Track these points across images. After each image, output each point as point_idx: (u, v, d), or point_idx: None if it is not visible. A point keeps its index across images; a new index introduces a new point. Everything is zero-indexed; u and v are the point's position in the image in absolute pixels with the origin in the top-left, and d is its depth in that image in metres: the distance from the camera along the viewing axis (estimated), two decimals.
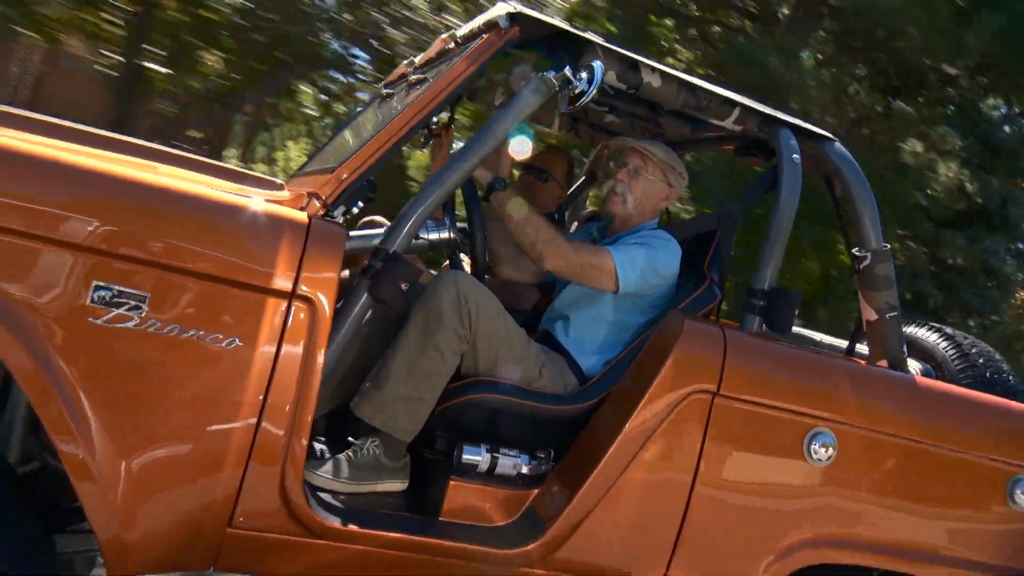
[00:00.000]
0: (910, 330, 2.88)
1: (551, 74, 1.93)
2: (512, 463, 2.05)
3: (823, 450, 2.01)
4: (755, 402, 2.00)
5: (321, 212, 1.77)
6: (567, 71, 1.92)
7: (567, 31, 2.04)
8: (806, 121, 2.34)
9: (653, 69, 2.14)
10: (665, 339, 2.01)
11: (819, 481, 2.05)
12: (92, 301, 1.55)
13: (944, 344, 2.71)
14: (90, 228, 1.54)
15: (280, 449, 1.70)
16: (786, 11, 9.85)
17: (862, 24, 9.13)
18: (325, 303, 1.70)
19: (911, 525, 2.13)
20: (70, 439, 1.53)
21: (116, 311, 1.56)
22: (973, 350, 2.65)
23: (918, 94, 10.43)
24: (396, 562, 1.85)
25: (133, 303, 1.57)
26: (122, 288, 1.56)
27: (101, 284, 1.55)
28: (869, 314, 2.27)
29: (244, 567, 1.81)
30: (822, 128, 2.32)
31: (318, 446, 2.09)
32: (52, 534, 1.75)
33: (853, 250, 2.27)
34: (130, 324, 1.57)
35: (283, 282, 1.66)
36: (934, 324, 2.90)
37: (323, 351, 1.72)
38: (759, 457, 2.04)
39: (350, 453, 2.00)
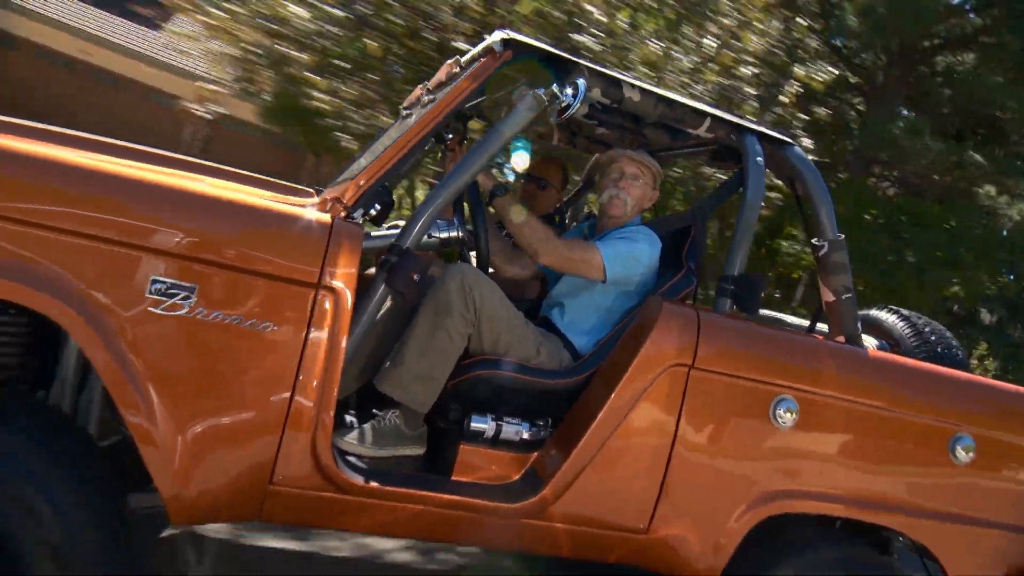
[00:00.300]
0: (874, 312, 3.05)
1: (541, 91, 2.09)
2: (515, 430, 2.18)
3: (787, 415, 2.15)
4: (726, 373, 2.14)
5: (343, 214, 1.92)
6: (555, 87, 2.09)
7: (555, 54, 2.19)
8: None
9: (633, 86, 2.29)
10: (646, 320, 2.16)
11: (784, 442, 2.18)
12: (150, 290, 1.72)
13: (902, 324, 2.87)
14: (149, 232, 1.71)
15: (311, 419, 1.85)
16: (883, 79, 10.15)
17: (965, 102, 9.67)
18: (347, 292, 1.84)
19: (866, 478, 2.26)
20: (136, 412, 1.70)
21: (170, 300, 1.73)
22: (927, 329, 2.82)
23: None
24: (413, 515, 2.00)
25: (184, 294, 1.74)
26: (174, 281, 1.73)
27: (157, 279, 1.72)
28: (827, 296, 2.43)
29: (283, 519, 1.96)
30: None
31: (349, 418, 2.22)
32: (127, 494, 1.91)
33: (813, 240, 2.44)
34: (182, 312, 1.73)
35: (310, 274, 1.81)
36: (893, 308, 3.07)
37: (346, 334, 1.86)
38: (731, 421, 2.17)
39: (374, 423, 2.16)
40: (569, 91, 2.08)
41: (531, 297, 2.95)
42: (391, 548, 3.16)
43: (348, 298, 1.85)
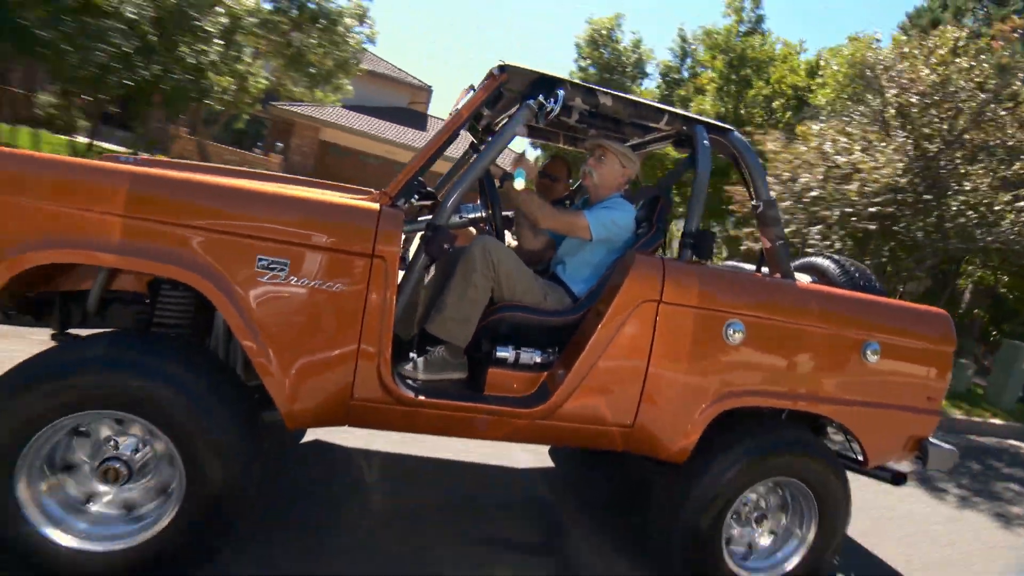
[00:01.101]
0: (811, 259, 3.37)
1: (530, 102, 2.43)
2: (530, 356, 2.53)
3: (736, 334, 2.48)
4: (686, 305, 2.45)
5: (388, 203, 2.29)
6: (540, 98, 2.43)
7: (542, 74, 2.50)
8: None
9: (605, 93, 2.62)
10: (624, 269, 2.48)
11: (734, 355, 2.50)
12: (258, 266, 2.11)
13: (831, 266, 3.19)
14: (253, 226, 2.10)
15: (375, 352, 2.21)
16: None
17: None
18: (393, 258, 2.19)
19: (800, 379, 2.58)
20: (257, 353, 2.10)
21: (271, 272, 2.12)
22: (851, 267, 3.14)
23: None
24: (455, 419, 2.37)
25: (280, 267, 2.12)
26: (273, 259, 2.12)
27: (262, 256, 2.12)
28: (766, 243, 2.74)
29: (363, 424, 2.34)
30: None
31: (412, 354, 2.55)
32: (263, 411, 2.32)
33: (752, 202, 2.76)
34: (280, 280, 2.12)
35: (365, 247, 2.17)
36: (827, 254, 3.40)
37: (395, 289, 2.20)
38: (692, 341, 2.47)
39: (426, 356, 2.52)
40: (552, 100, 2.42)
41: (547, 261, 3.34)
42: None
43: (394, 262, 2.19)
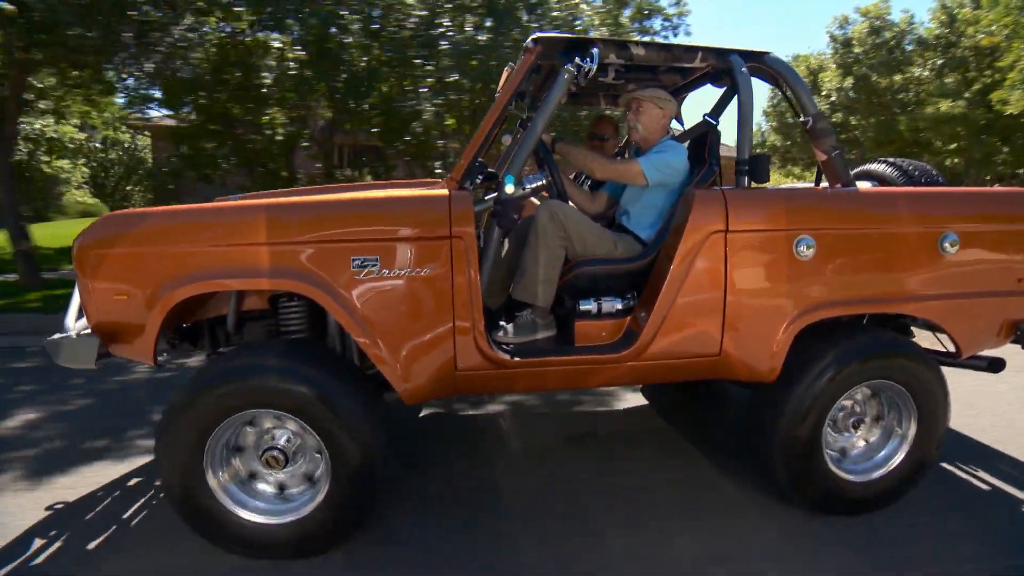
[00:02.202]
0: (868, 166, 3.25)
1: (568, 66, 2.43)
2: (611, 305, 2.55)
3: (807, 249, 2.43)
4: (753, 230, 2.42)
5: (455, 187, 2.35)
6: (576, 60, 2.43)
7: (574, 38, 2.49)
8: None
9: (637, 43, 2.59)
10: (686, 206, 2.45)
11: (808, 270, 2.44)
12: (353, 267, 2.24)
13: (891, 170, 3.06)
14: (347, 229, 2.24)
15: (469, 325, 2.30)
16: None
17: None
18: (469, 236, 2.26)
19: (877, 283, 2.49)
20: (368, 344, 2.23)
21: (366, 269, 2.25)
22: (908, 167, 3.00)
23: None
24: (552, 373, 2.43)
25: (372, 263, 2.26)
26: (365, 257, 2.25)
27: (355, 257, 2.25)
28: (821, 156, 2.66)
29: (471, 391, 2.44)
30: None
31: (502, 322, 2.63)
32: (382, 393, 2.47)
33: (800, 119, 2.68)
34: (374, 274, 2.24)
35: (442, 231, 2.25)
36: (885, 159, 3.26)
37: (476, 264, 2.27)
38: (765, 263, 2.43)
39: (516, 320, 2.60)
40: (588, 59, 2.41)
41: (609, 217, 3.35)
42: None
43: (471, 240, 2.26)
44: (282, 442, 2.30)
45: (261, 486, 2.35)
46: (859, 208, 2.52)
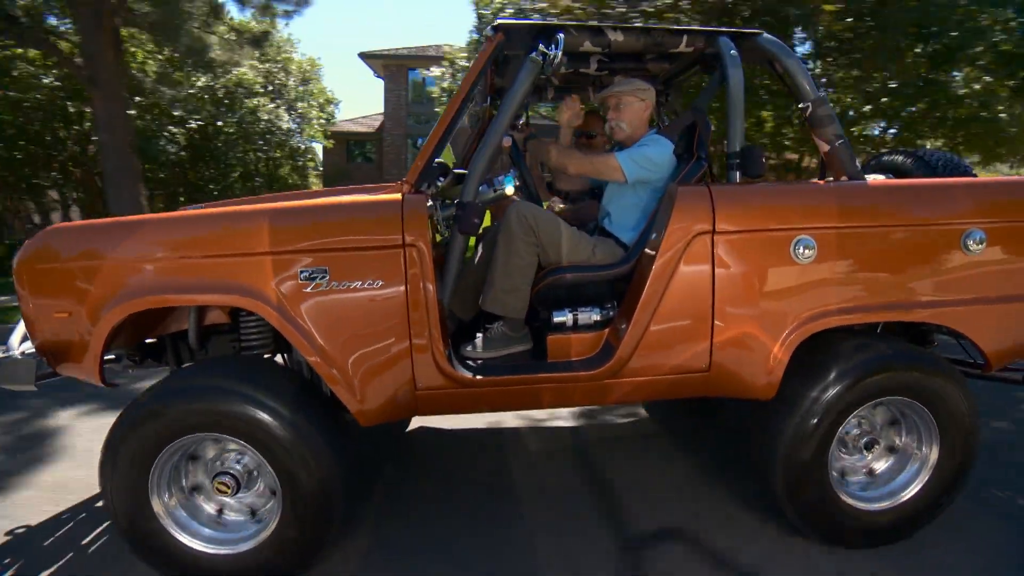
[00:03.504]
0: (881, 158, 2.82)
1: (532, 54, 2.11)
2: (587, 316, 2.22)
3: (806, 251, 2.05)
4: (744, 230, 2.06)
5: (409, 189, 2.05)
6: (541, 47, 2.11)
7: (538, 25, 2.18)
8: None
9: (614, 28, 2.26)
10: (668, 204, 2.11)
11: (809, 274, 2.07)
12: (301, 279, 1.97)
13: (911, 161, 2.64)
14: (292, 239, 1.97)
15: (427, 341, 2.01)
16: None
17: None
18: (424, 245, 1.96)
19: (889, 286, 2.10)
20: (319, 361, 1.96)
21: (314, 281, 1.98)
22: (930, 156, 2.57)
23: None
24: (521, 392, 2.13)
25: (321, 275, 1.98)
26: (312, 268, 1.98)
27: (303, 269, 1.98)
28: (823, 147, 2.28)
29: (433, 411, 2.15)
30: None
31: (478, 335, 2.34)
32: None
33: (799, 105, 2.30)
34: (323, 287, 1.96)
35: (395, 239, 1.96)
36: (904, 150, 2.84)
37: (431, 277, 1.97)
38: (758, 267, 2.07)
39: (486, 334, 2.30)
40: (553, 46, 2.10)
41: (592, 219, 3.01)
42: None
43: (426, 249, 1.97)
44: (236, 467, 2.06)
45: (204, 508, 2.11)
46: (866, 203, 2.13)
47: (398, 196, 2.02)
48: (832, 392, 2.08)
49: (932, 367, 2.13)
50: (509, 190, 2.21)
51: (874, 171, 2.77)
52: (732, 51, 2.21)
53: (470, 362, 2.20)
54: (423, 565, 2.15)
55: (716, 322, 2.11)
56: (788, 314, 2.11)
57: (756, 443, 2.28)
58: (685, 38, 2.30)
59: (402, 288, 1.99)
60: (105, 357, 2.15)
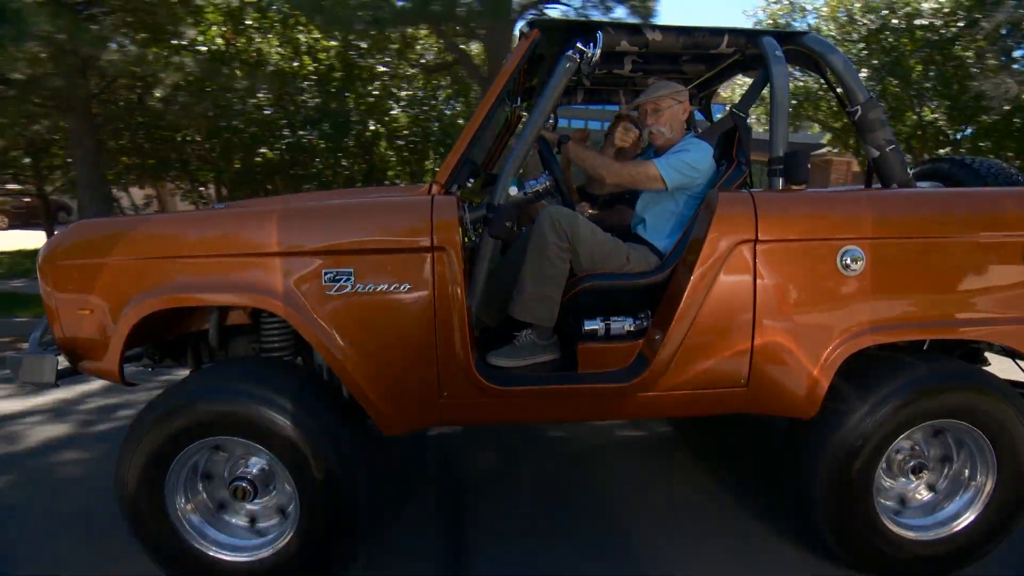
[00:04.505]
0: (935, 166, 2.62)
1: (569, 52, 1.97)
2: (621, 325, 2.07)
3: (855, 263, 1.88)
4: (788, 239, 1.90)
5: (439, 191, 1.93)
6: (579, 45, 1.98)
7: (575, 22, 2.06)
8: None
9: (652, 28, 2.12)
10: (708, 211, 1.95)
11: (856, 286, 1.89)
12: (325, 281, 1.85)
13: (961, 171, 2.45)
14: (318, 239, 1.85)
15: (454, 347, 1.86)
16: None
17: None
18: (453, 248, 1.83)
19: (942, 302, 1.91)
20: (340, 366, 1.83)
21: (338, 284, 1.85)
22: (981, 166, 2.38)
23: None
24: (550, 404, 1.98)
25: (346, 277, 1.86)
26: (338, 270, 1.85)
27: (327, 270, 1.86)
28: (872, 153, 2.10)
29: (456, 421, 1.98)
30: None
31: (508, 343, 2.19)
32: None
33: (847, 109, 2.12)
34: (347, 290, 1.84)
35: (424, 241, 1.83)
36: (951, 157, 2.64)
37: (461, 281, 1.83)
38: (803, 278, 1.90)
39: (515, 342, 2.15)
40: (591, 45, 1.95)
41: (627, 223, 2.85)
42: None
43: (456, 252, 1.84)
44: (253, 472, 1.93)
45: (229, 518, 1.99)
46: (920, 213, 1.95)
47: (426, 198, 1.89)
48: (881, 412, 1.90)
49: (989, 388, 1.93)
50: (514, 192, 2.07)
51: (919, 179, 2.57)
52: (777, 51, 2.05)
53: (497, 371, 2.05)
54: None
55: (756, 336, 1.94)
56: (834, 328, 1.93)
57: (794, 464, 2.10)
58: (726, 38, 2.14)
59: (429, 292, 1.85)
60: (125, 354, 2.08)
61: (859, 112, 2.05)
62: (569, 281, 2.14)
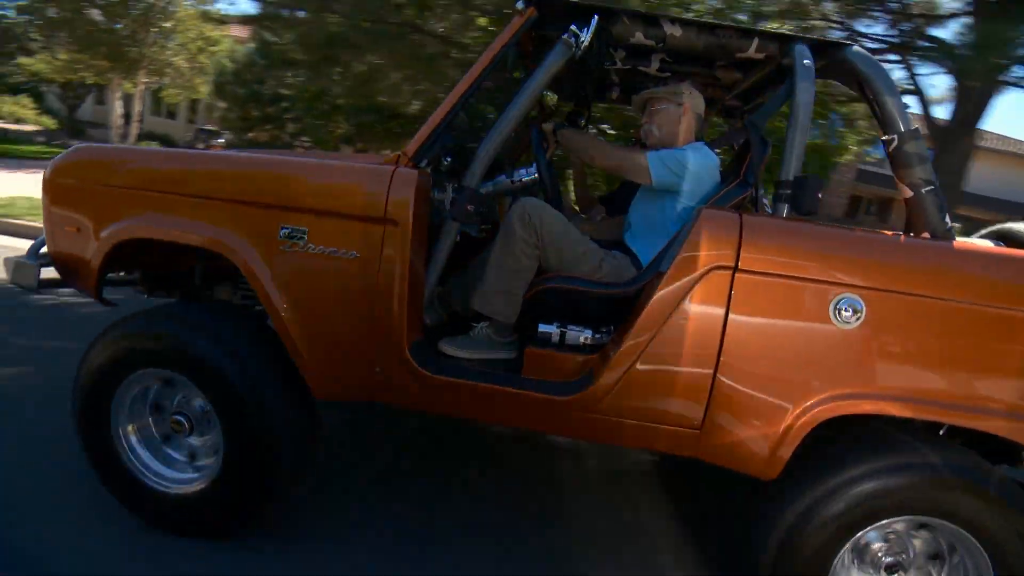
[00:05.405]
0: (1005, 225, 2.18)
1: (564, 35, 1.77)
2: (578, 335, 1.87)
3: (851, 314, 1.56)
4: (775, 274, 1.60)
5: (406, 163, 1.80)
6: (573, 27, 1.77)
7: (575, 3, 1.83)
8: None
9: (673, 20, 1.88)
10: (688, 226, 1.71)
11: (849, 341, 1.58)
12: (280, 236, 1.80)
13: None
14: (280, 193, 1.80)
15: (392, 322, 1.76)
16: None
17: None
18: (408, 222, 1.71)
19: (954, 379, 1.55)
20: (282, 323, 1.79)
21: (293, 240, 1.80)
22: None
23: None
24: (480, 402, 1.81)
25: (300, 235, 1.79)
26: (294, 227, 1.79)
27: (284, 226, 1.81)
28: (906, 192, 1.74)
29: (388, 400, 1.86)
30: None
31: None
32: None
33: (883, 137, 1.78)
34: (299, 248, 1.78)
35: (377, 212, 1.73)
36: None
37: (406, 259, 1.72)
38: (786, 322, 1.61)
39: (471, 333, 2.01)
40: (585, 30, 1.75)
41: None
42: None
43: (408, 228, 1.72)
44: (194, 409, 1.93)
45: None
46: (945, 269, 1.59)
47: (389, 168, 1.78)
48: (855, 491, 1.58)
49: (999, 495, 1.55)
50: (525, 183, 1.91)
51: (988, 238, 2.15)
52: (806, 61, 1.75)
53: (443, 359, 1.92)
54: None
55: (718, 376, 1.67)
56: (812, 384, 1.62)
57: (750, 525, 1.80)
58: (756, 41, 1.86)
59: (375, 264, 1.75)
60: (126, 277, 2.18)
61: (895, 142, 1.71)
62: (536, 278, 1.96)
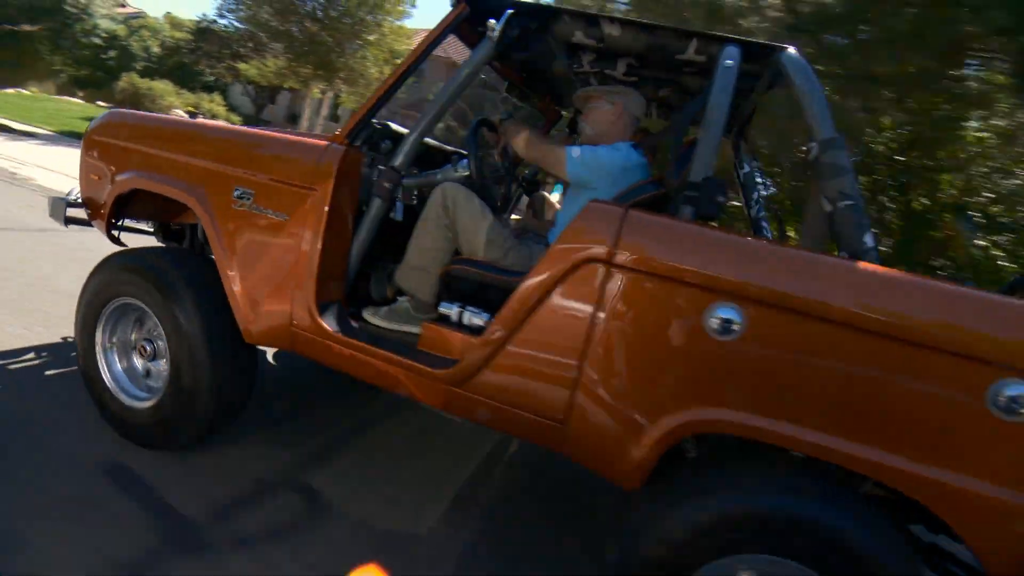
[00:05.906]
0: None
1: (491, 33, 1.79)
2: (472, 317, 1.88)
3: (725, 324, 1.43)
4: (650, 272, 1.51)
5: (340, 141, 1.93)
6: (491, 21, 1.78)
7: (514, 2, 1.83)
8: None
9: (612, 20, 1.83)
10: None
11: (721, 353, 1.44)
12: (234, 195, 2.02)
13: None
14: (236, 158, 2.03)
15: (306, 281, 1.90)
16: None
17: None
18: (325, 195, 1.87)
19: (845, 415, 1.36)
20: (224, 270, 2.01)
21: (242, 200, 2.02)
22: None
23: None
24: (369, 365, 1.87)
25: (248, 196, 2.00)
26: (244, 190, 2.01)
27: (237, 187, 2.03)
28: (825, 205, 1.55)
29: (303, 352, 1.99)
30: None
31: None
32: None
33: (803, 146, 1.59)
34: (246, 207, 1.99)
35: (305, 180, 1.90)
36: None
37: (320, 226, 1.87)
38: (656, 326, 1.51)
39: (393, 304, 2.10)
40: (498, 23, 1.76)
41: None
42: None
43: (326, 199, 1.88)
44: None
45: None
46: (840, 289, 1.40)
47: (324, 143, 1.94)
48: (701, 518, 1.44)
49: (881, 552, 1.33)
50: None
51: (1012, 289, 1.84)
52: (728, 61, 1.63)
53: (362, 323, 2.02)
54: None
55: (583, 370, 1.60)
56: (678, 396, 1.51)
57: (626, 527, 1.69)
58: (695, 42, 1.76)
59: (299, 228, 1.91)
60: (140, 226, 2.52)
61: (816, 151, 1.54)
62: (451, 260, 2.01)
